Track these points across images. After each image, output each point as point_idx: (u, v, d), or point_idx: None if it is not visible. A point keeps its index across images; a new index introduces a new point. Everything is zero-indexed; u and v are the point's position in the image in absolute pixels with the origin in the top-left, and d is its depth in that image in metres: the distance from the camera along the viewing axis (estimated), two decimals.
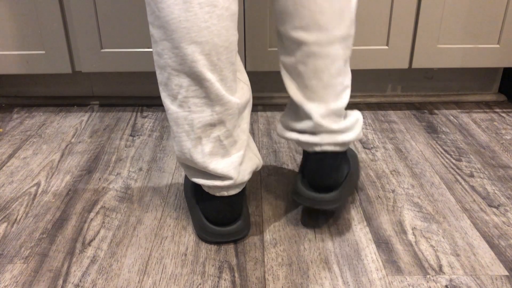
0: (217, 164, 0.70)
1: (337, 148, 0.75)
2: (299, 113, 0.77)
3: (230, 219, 0.74)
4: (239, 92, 0.72)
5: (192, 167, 0.73)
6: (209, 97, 0.67)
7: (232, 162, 0.71)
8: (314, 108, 0.73)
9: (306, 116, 0.75)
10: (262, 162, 0.81)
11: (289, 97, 0.78)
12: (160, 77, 0.68)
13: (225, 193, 0.73)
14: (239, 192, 0.74)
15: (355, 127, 0.77)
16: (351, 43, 0.74)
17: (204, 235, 0.75)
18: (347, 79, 0.75)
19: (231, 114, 0.69)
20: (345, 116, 0.77)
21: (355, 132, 0.76)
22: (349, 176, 0.79)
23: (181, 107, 0.68)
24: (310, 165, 0.76)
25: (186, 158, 0.71)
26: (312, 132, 0.75)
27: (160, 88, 0.70)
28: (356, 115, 0.78)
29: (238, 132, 0.72)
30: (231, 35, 0.66)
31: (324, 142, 0.74)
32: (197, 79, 0.65)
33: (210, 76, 0.66)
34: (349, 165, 0.81)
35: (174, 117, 0.69)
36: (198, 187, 0.77)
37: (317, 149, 0.75)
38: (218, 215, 0.74)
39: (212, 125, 0.69)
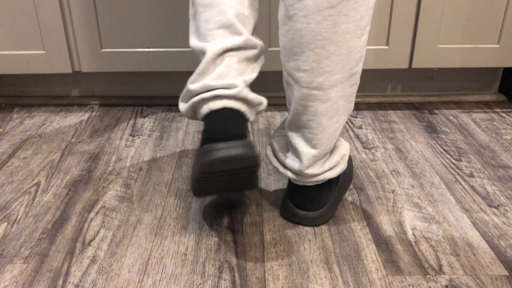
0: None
1: (318, 183, 0.77)
2: (289, 146, 0.78)
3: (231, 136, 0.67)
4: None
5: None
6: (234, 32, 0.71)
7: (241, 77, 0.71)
8: (306, 151, 0.73)
9: (295, 154, 0.75)
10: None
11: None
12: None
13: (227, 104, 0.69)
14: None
15: (339, 164, 0.77)
16: (357, 79, 0.70)
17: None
18: (343, 117, 0.73)
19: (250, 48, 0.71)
20: (331, 151, 0.77)
21: (338, 168, 0.77)
22: (337, 190, 0.82)
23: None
24: (293, 190, 0.79)
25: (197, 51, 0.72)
26: (296, 173, 0.76)
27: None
28: (342, 151, 0.77)
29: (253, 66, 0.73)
30: None
31: (307, 180, 0.76)
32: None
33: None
34: (337, 180, 0.82)
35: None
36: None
37: (300, 184, 0.77)
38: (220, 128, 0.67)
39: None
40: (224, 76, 0.68)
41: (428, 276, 0.69)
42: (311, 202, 0.78)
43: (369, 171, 0.96)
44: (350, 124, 1.16)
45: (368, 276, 0.69)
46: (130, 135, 1.12)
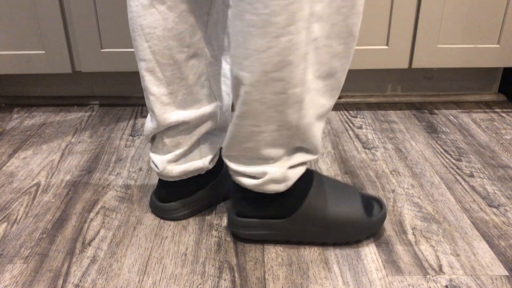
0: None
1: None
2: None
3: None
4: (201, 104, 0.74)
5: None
6: (152, 110, 0.72)
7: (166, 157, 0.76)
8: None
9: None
10: (205, 166, 0.78)
11: None
12: None
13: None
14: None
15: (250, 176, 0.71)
16: (284, 89, 0.60)
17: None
18: (272, 127, 0.64)
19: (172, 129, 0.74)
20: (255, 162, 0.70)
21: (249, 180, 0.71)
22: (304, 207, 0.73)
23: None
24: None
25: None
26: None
27: None
28: (265, 170, 0.69)
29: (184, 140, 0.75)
30: (177, 53, 0.68)
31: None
32: (146, 92, 0.72)
33: (156, 90, 0.71)
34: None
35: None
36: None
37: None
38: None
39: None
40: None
41: (428, 276, 0.69)
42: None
43: (369, 171, 0.96)
44: (350, 124, 1.16)
45: (368, 276, 0.69)
46: (130, 135, 1.12)
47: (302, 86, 0.60)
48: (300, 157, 0.70)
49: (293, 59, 0.58)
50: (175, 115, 0.72)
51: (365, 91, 1.32)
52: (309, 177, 0.74)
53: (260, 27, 0.55)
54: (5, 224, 0.81)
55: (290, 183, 0.70)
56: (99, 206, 0.85)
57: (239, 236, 0.76)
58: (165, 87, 0.70)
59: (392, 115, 1.22)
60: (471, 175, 0.94)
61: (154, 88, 0.70)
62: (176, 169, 0.76)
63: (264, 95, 0.61)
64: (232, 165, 0.70)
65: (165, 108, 0.71)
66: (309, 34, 0.57)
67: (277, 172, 0.68)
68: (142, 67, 0.69)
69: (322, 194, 0.74)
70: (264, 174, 0.68)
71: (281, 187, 0.70)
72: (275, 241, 0.76)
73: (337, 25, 0.59)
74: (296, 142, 0.68)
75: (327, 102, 0.66)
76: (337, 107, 1.26)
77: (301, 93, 0.61)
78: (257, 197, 0.72)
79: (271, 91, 0.60)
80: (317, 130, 0.68)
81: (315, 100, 0.64)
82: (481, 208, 0.84)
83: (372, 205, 0.76)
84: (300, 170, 0.71)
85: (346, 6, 0.58)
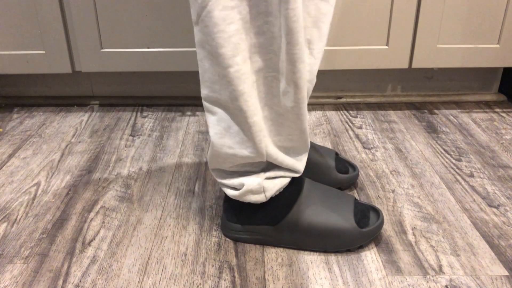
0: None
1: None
2: None
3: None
4: None
5: None
6: None
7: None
8: None
9: None
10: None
11: None
12: None
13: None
14: None
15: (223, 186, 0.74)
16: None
17: None
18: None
19: None
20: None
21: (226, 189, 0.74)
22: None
23: None
24: None
25: None
26: None
27: None
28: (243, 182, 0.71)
29: None
30: None
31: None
32: None
33: None
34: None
35: None
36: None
37: None
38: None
39: None
40: None
41: (428, 276, 0.69)
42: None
43: (369, 171, 0.96)
44: (350, 124, 1.16)
45: (368, 276, 0.69)
46: (130, 135, 1.12)
47: (258, 115, 0.63)
48: (279, 172, 0.71)
49: (244, 89, 0.60)
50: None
51: (365, 91, 1.32)
52: (297, 186, 0.75)
53: (213, 58, 0.59)
54: (5, 224, 0.81)
55: (269, 193, 0.71)
56: (99, 206, 0.85)
57: (230, 238, 0.77)
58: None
59: (392, 115, 1.22)
60: (471, 175, 0.94)
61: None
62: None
63: (233, 120, 0.64)
64: (215, 177, 0.73)
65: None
66: (253, 64, 0.60)
67: (254, 183, 0.69)
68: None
69: (311, 203, 0.74)
70: (242, 185, 0.70)
71: (260, 198, 0.71)
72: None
73: (282, 61, 0.60)
74: (271, 164, 0.70)
75: (285, 135, 0.67)
76: (337, 107, 1.27)
77: (260, 121, 0.63)
78: (243, 206, 0.74)
79: (237, 120, 0.63)
80: (285, 157, 0.69)
81: (270, 128, 0.66)
82: (481, 208, 0.84)
83: (368, 215, 0.75)
84: (280, 182, 0.71)
85: (289, 43, 0.58)
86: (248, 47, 0.59)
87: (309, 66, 0.72)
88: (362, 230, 0.72)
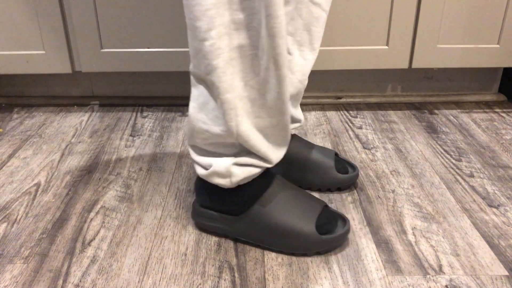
0: None
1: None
2: None
3: None
4: None
5: None
6: None
7: None
8: None
9: None
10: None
11: None
12: None
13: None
14: None
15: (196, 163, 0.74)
16: (212, 85, 0.63)
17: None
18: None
19: None
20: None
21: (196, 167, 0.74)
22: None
23: None
24: None
25: None
26: None
27: None
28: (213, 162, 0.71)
29: None
30: None
31: None
32: None
33: None
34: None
35: None
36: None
37: None
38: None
39: None
40: None
41: (428, 276, 0.69)
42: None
43: (369, 171, 0.96)
44: (350, 124, 1.16)
45: (368, 276, 0.69)
46: (130, 135, 1.12)
47: (233, 92, 0.62)
48: (249, 160, 0.70)
49: (218, 64, 0.60)
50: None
51: (365, 91, 1.32)
52: (267, 180, 0.74)
53: (191, 31, 0.60)
54: (5, 224, 0.81)
55: (235, 179, 0.70)
56: (99, 206, 0.85)
57: (197, 225, 0.78)
58: None
59: (392, 115, 1.22)
60: (471, 175, 0.94)
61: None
62: None
63: (211, 96, 0.64)
64: (191, 153, 0.74)
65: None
66: (232, 41, 0.60)
67: (221, 166, 0.69)
68: None
69: (277, 200, 0.73)
70: (210, 165, 0.70)
71: (225, 182, 0.70)
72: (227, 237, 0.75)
73: (263, 37, 0.59)
74: (243, 148, 0.69)
75: (266, 117, 0.66)
76: (337, 107, 1.27)
77: (233, 99, 0.62)
78: (213, 190, 0.74)
79: (212, 94, 0.64)
80: (260, 142, 0.68)
81: (249, 109, 0.65)
82: (481, 208, 0.84)
83: (334, 223, 0.74)
84: (249, 171, 0.70)
85: (269, 16, 0.58)
86: (227, 23, 0.59)
87: (300, 67, 0.72)
88: (322, 236, 0.71)
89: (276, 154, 0.70)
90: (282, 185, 0.76)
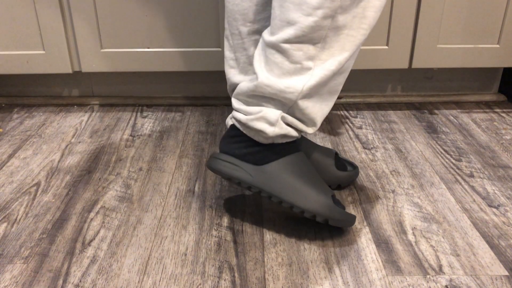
0: None
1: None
2: None
3: None
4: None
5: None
6: (225, 69, 0.88)
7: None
8: None
9: None
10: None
11: None
12: None
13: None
14: None
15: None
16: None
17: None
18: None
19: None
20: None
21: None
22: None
23: None
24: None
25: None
26: None
27: None
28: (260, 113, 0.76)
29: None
30: (240, 26, 0.80)
31: None
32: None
33: (227, 54, 0.85)
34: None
35: None
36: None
37: None
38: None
39: None
40: None
41: (428, 276, 0.69)
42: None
43: (369, 171, 0.96)
44: (350, 124, 1.17)
45: (368, 276, 0.69)
46: (130, 135, 1.12)
47: (314, 61, 0.69)
48: (295, 121, 0.75)
49: (313, 37, 0.67)
50: (237, 77, 0.84)
51: (365, 91, 1.32)
52: (295, 148, 0.78)
53: (297, 4, 0.65)
54: (5, 224, 0.81)
55: (278, 131, 0.73)
56: (99, 206, 0.85)
57: (210, 168, 0.79)
58: (232, 52, 0.84)
59: (392, 115, 1.22)
60: (471, 175, 0.94)
61: (226, 51, 0.85)
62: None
63: (283, 61, 0.70)
64: (235, 103, 0.78)
65: (230, 70, 0.85)
66: (333, 23, 0.66)
67: (272, 113, 0.73)
68: (224, 33, 0.85)
69: (300, 164, 0.77)
70: (260, 111, 0.73)
71: (269, 130, 0.73)
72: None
73: (356, 17, 0.68)
74: (296, 112, 0.74)
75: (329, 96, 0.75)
76: (337, 107, 1.27)
77: (313, 66, 0.69)
78: (242, 139, 0.77)
79: (290, 60, 0.69)
80: (319, 110, 0.74)
81: (320, 80, 0.71)
82: (481, 208, 0.84)
83: (343, 208, 0.78)
84: (290, 131, 0.75)
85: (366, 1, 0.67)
86: (335, 7, 0.66)
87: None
88: (336, 206, 0.75)
89: (321, 119, 0.76)
90: (306, 160, 0.80)
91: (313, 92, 0.71)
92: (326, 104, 0.75)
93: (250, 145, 0.77)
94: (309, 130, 0.77)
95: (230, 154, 0.78)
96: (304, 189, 0.75)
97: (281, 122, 0.73)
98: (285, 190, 0.75)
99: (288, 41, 0.68)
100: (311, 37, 0.67)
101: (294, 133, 0.75)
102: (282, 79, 0.70)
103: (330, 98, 0.75)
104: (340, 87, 0.75)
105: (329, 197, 0.75)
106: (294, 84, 0.70)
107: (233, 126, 0.79)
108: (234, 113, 0.77)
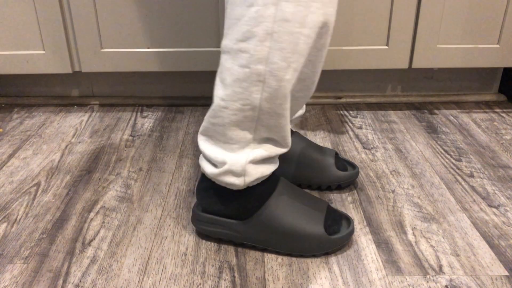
0: None
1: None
2: None
3: None
4: None
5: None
6: None
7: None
8: None
9: None
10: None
11: None
12: None
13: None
14: None
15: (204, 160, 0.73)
16: (246, 62, 0.62)
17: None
18: (236, 104, 0.65)
19: None
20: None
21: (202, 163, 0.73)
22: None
23: None
24: None
25: None
26: None
27: None
28: (224, 157, 0.69)
29: None
30: None
31: None
32: None
33: None
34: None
35: None
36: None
37: None
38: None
39: None
40: None
41: (428, 276, 0.69)
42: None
43: (369, 171, 0.96)
44: (350, 124, 1.16)
45: (368, 276, 0.69)
46: (130, 135, 1.12)
47: (265, 65, 0.61)
48: (267, 148, 0.69)
49: (257, 32, 0.60)
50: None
51: (365, 91, 1.32)
52: (272, 183, 0.74)
53: None
54: (5, 224, 0.81)
55: (249, 179, 0.69)
56: (99, 206, 0.85)
57: (197, 230, 0.77)
58: None
59: (392, 115, 1.22)
60: (471, 175, 0.94)
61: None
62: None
63: (233, 65, 0.63)
64: (201, 145, 0.71)
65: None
66: (278, 13, 0.59)
67: (237, 163, 0.68)
68: None
69: (283, 202, 0.73)
70: (224, 163, 0.68)
71: (238, 182, 0.69)
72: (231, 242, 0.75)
73: (312, 13, 0.60)
74: (262, 130, 0.67)
75: (297, 102, 0.70)
76: (337, 107, 1.27)
77: (264, 72, 0.61)
78: (218, 192, 0.73)
79: (238, 63, 0.62)
80: (286, 123, 0.67)
81: (289, 94, 0.65)
82: (481, 208, 0.84)
83: (339, 222, 0.75)
84: (263, 170, 0.70)
85: None
86: None
87: None
88: (330, 237, 0.72)
89: (289, 135, 0.70)
90: (287, 187, 0.75)
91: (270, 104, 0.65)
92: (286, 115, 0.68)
93: (227, 199, 0.73)
94: (284, 149, 0.71)
95: (210, 213, 0.74)
96: (295, 233, 0.71)
97: (250, 169, 0.68)
98: (276, 240, 0.72)
99: (236, 39, 0.61)
100: (255, 32, 0.60)
101: (268, 171, 0.71)
102: (235, 88, 0.64)
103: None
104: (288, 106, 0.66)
105: (322, 228, 0.72)
106: (248, 97, 0.64)
107: (204, 175, 0.75)
108: (201, 163, 0.72)
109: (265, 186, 0.73)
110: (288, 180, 0.88)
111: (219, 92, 0.65)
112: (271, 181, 0.74)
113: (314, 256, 0.72)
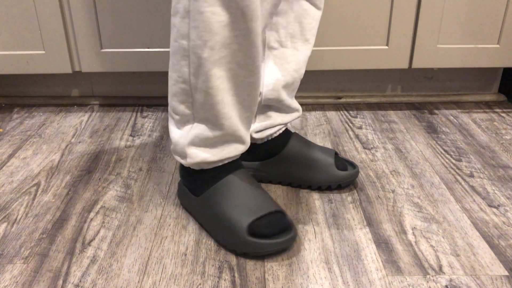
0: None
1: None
2: None
3: None
4: None
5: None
6: None
7: None
8: None
9: None
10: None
11: None
12: None
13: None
14: None
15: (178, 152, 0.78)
16: (178, 67, 0.68)
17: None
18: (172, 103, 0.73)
19: None
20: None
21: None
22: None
23: None
24: None
25: None
26: None
27: None
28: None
29: None
30: None
31: None
32: None
33: None
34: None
35: None
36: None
37: None
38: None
39: None
40: None
41: (428, 276, 0.69)
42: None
43: (369, 171, 0.96)
44: (350, 124, 1.16)
45: (368, 276, 0.69)
46: (130, 135, 1.12)
47: (188, 41, 0.64)
48: (205, 130, 0.71)
49: (179, 8, 0.63)
50: None
51: (365, 91, 1.32)
52: (227, 171, 0.75)
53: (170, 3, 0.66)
54: (5, 224, 0.81)
55: (191, 161, 0.74)
56: (99, 206, 0.85)
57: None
58: None
59: (392, 115, 1.22)
60: (471, 175, 0.94)
61: None
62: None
63: (171, 39, 0.67)
64: (169, 122, 0.77)
65: None
66: None
67: (179, 144, 0.74)
68: None
69: (227, 190, 0.74)
70: (172, 138, 0.75)
71: (183, 161, 0.75)
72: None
73: None
74: (199, 109, 0.69)
75: (239, 88, 0.68)
76: (337, 107, 1.27)
77: (187, 47, 0.64)
78: (182, 166, 0.80)
79: (172, 36, 0.67)
80: (217, 103, 0.68)
81: (217, 73, 0.65)
82: (481, 208, 0.84)
83: (282, 229, 0.72)
84: (206, 155, 0.72)
85: None
86: None
87: (294, 57, 0.78)
88: (248, 237, 0.70)
89: (227, 120, 0.70)
90: (241, 177, 0.75)
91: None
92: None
93: (189, 174, 0.78)
94: (243, 146, 0.74)
95: (184, 185, 0.81)
96: (222, 222, 0.73)
97: (190, 151, 0.73)
98: (210, 224, 0.76)
99: (171, 14, 0.65)
100: (178, 8, 0.63)
101: (212, 158, 0.72)
102: (172, 60, 0.68)
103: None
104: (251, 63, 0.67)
105: (244, 225, 0.70)
106: (180, 69, 0.67)
107: None
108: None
109: (218, 171, 0.76)
110: (288, 180, 0.88)
111: (170, 60, 0.70)
112: (226, 168, 0.76)
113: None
